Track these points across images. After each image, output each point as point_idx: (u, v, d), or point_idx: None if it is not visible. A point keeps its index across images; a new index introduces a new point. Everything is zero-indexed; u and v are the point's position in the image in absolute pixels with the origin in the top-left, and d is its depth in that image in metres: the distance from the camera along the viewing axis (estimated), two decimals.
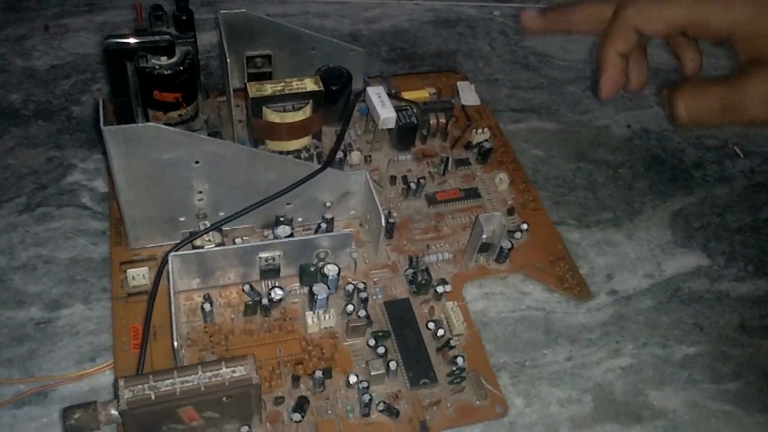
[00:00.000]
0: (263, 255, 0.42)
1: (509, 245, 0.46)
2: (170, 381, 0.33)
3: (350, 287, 0.43)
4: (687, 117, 0.40)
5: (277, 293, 0.43)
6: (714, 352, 0.45)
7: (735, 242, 0.51)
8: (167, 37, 0.44)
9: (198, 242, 0.43)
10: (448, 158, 0.52)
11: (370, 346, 0.42)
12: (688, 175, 0.56)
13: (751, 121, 0.39)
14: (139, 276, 0.43)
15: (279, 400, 0.39)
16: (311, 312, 0.42)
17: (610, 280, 0.48)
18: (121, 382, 0.33)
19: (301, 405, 0.39)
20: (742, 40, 0.36)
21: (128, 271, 0.43)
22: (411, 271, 0.45)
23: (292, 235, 0.44)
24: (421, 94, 0.56)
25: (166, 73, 0.44)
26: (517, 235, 0.48)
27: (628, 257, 0.50)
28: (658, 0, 0.37)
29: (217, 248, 0.42)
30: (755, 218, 0.53)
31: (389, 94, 0.51)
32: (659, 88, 0.48)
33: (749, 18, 0.36)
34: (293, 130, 0.48)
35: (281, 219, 0.46)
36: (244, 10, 0.50)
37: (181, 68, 0.44)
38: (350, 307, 0.42)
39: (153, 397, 0.33)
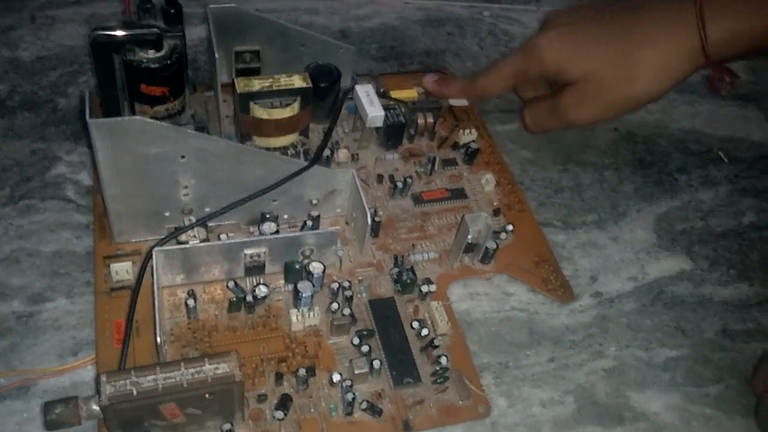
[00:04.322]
0: (248, 252, 0.42)
1: (494, 246, 0.46)
2: (152, 377, 0.33)
3: (335, 285, 0.43)
4: (532, 125, 0.56)
5: (261, 290, 0.42)
6: (696, 355, 0.45)
7: (718, 247, 0.52)
8: (155, 30, 0.43)
9: (183, 238, 0.43)
10: (435, 158, 0.52)
11: (354, 344, 0.41)
12: (673, 179, 0.56)
13: (570, 124, 0.53)
14: (123, 270, 0.43)
15: (262, 398, 0.39)
16: (296, 310, 0.42)
17: (593, 282, 0.48)
18: (103, 378, 0.33)
19: (284, 403, 0.38)
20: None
21: (112, 265, 0.43)
22: (396, 270, 0.45)
23: (277, 232, 0.44)
24: (410, 94, 0.55)
25: (153, 66, 0.44)
26: (503, 235, 0.48)
27: (612, 260, 0.50)
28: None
29: (201, 244, 0.42)
30: (739, 223, 0.54)
31: (378, 93, 0.51)
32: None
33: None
34: (280, 127, 0.48)
35: (267, 216, 0.45)
36: (233, 5, 0.49)
37: (169, 62, 0.44)
38: (335, 306, 0.42)
39: (135, 392, 0.33)
